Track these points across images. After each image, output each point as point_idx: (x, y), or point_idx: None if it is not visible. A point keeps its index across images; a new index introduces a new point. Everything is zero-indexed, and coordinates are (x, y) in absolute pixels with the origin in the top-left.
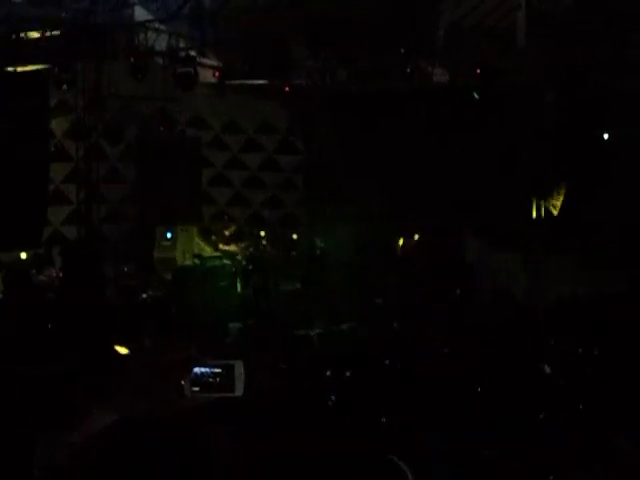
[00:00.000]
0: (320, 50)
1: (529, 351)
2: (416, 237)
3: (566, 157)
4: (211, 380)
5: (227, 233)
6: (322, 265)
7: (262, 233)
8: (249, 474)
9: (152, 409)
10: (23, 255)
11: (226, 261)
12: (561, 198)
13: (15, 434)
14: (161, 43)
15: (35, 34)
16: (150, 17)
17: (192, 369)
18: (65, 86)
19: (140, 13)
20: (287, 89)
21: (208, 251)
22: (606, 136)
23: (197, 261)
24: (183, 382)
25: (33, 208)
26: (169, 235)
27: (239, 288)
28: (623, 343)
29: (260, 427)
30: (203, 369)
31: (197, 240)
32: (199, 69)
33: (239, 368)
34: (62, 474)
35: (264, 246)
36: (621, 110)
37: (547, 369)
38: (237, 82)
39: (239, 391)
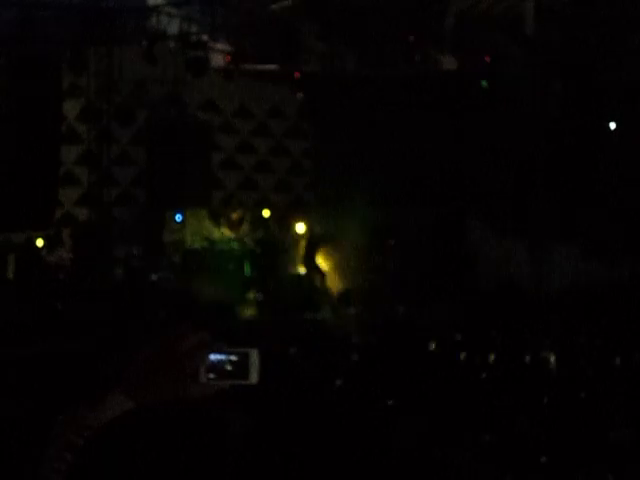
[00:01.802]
0: (330, 36)
1: (533, 339)
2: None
3: (572, 146)
4: (226, 367)
5: (236, 217)
6: (316, 249)
7: (268, 216)
8: (262, 460)
9: (167, 396)
10: (39, 242)
11: (235, 244)
12: None
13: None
14: (173, 27)
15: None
16: (162, 1)
17: (208, 355)
18: (77, 71)
19: None
20: (297, 75)
21: (217, 234)
22: (613, 126)
23: (206, 244)
24: (198, 369)
25: (44, 189)
26: (179, 218)
27: (247, 271)
28: (626, 333)
29: (271, 412)
30: (219, 356)
31: (206, 223)
32: (210, 54)
33: (255, 356)
34: (76, 459)
35: (272, 230)
36: (626, 100)
37: (551, 357)
38: (248, 67)
39: (254, 379)
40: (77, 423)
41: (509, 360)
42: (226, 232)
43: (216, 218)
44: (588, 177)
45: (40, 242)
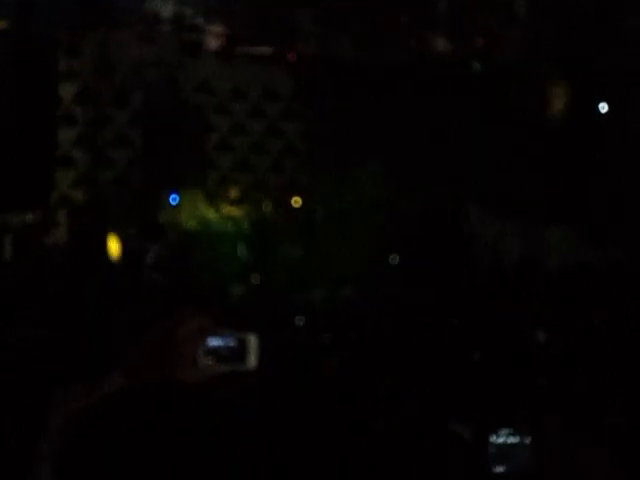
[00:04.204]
0: (324, 18)
1: (525, 319)
2: None
3: (566, 129)
4: (225, 352)
5: (231, 198)
6: (320, 231)
7: (265, 198)
8: (257, 445)
9: (164, 378)
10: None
11: (230, 226)
12: None
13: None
14: (167, 10)
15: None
16: None
17: (206, 340)
18: (72, 54)
19: None
20: (292, 57)
21: (212, 216)
22: (606, 108)
23: (201, 226)
24: (197, 353)
25: (40, 170)
26: (174, 199)
27: (242, 253)
28: (620, 313)
29: (266, 398)
30: (217, 340)
31: (201, 205)
32: (205, 36)
33: (254, 341)
34: (69, 437)
35: (267, 211)
36: (622, 84)
37: (542, 336)
38: (243, 49)
39: (253, 364)
40: (70, 406)
41: (503, 342)
42: (222, 212)
43: (211, 200)
44: (583, 159)
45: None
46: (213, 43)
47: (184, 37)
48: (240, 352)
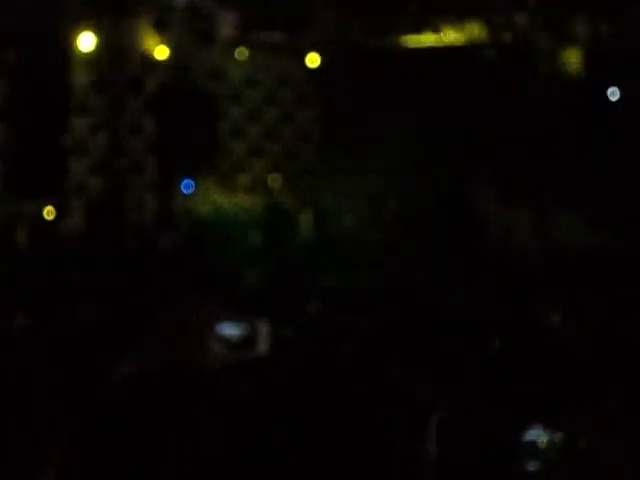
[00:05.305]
0: (337, 5)
1: (539, 304)
2: None
3: (577, 114)
4: (236, 339)
5: (244, 185)
6: (326, 217)
7: (277, 184)
8: (266, 427)
9: (177, 364)
10: (48, 209)
11: (243, 212)
12: None
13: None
14: None
15: None
16: None
17: (218, 326)
18: (86, 42)
19: None
20: (306, 44)
21: (226, 203)
22: (617, 95)
23: (215, 212)
24: (208, 338)
25: (54, 158)
26: (188, 186)
27: (255, 239)
28: (630, 297)
29: (279, 381)
30: (228, 326)
31: (215, 192)
32: (219, 23)
33: (263, 327)
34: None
35: (280, 198)
36: (629, 69)
37: (557, 321)
38: (256, 36)
39: (263, 349)
40: (86, 392)
41: (516, 328)
42: (236, 199)
43: (225, 186)
44: (594, 145)
45: (47, 210)
46: (227, 30)
47: (198, 25)
48: (251, 339)
